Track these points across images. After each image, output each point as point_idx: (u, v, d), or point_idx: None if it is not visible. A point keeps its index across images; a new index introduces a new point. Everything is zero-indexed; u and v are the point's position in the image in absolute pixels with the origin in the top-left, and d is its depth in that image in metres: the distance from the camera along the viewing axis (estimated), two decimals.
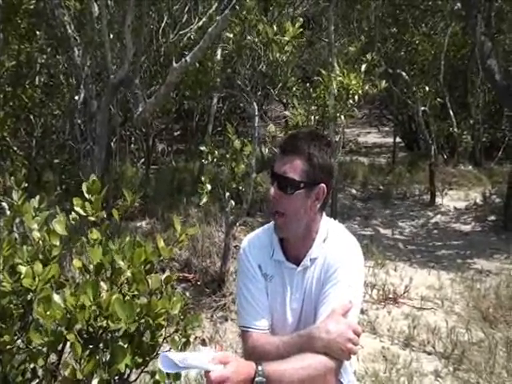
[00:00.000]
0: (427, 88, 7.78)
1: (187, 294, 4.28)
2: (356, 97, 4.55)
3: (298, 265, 1.67)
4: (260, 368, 1.41)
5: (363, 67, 4.78)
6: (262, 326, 1.66)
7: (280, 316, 1.70)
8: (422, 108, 8.06)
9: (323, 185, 1.60)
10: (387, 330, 4.09)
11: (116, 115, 7.47)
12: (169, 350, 1.64)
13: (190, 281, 4.53)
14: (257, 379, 1.39)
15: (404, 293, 4.68)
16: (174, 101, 8.75)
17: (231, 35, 4.13)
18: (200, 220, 5.37)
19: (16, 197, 2.23)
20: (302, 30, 3.92)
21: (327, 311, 1.56)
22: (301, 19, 3.90)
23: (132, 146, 9.71)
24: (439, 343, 3.88)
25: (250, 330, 1.66)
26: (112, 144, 7.44)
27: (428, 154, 8.11)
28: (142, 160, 8.80)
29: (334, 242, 1.67)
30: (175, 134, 10.54)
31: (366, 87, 4.76)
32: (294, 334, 1.58)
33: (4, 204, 2.31)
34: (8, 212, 2.26)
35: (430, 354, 3.79)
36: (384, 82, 4.96)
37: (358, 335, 1.52)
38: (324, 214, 1.71)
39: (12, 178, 2.27)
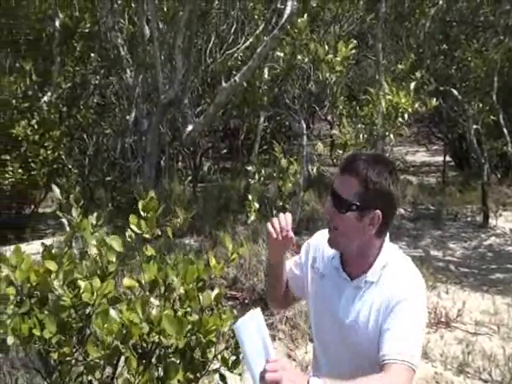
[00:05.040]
0: (480, 105, 7.59)
1: (235, 311, 4.28)
2: (406, 115, 4.49)
3: (351, 279, 1.65)
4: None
5: (412, 85, 4.72)
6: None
7: (324, 318, 1.69)
8: (474, 126, 7.87)
9: (379, 211, 1.55)
10: (440, 355, 3.96)
11: (165, 134, 7.66)
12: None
13: (237, 298, 4.53)
14: None
15: (457, 317, 4.52)
16: (221, 120, 8.89)
17: (282, 54, 4.17)
18: (247, 238, 5.38)
19: (75, 214, 2.30)
20: (354, 50, 3.93)
21: (392, 347, 1.50)
22: (354, 41, 3.90)
23: (179, 164, 9.89)
24: (496, 371, 3.72)
25: None
26: (161, 162, 7.61)
27: (480, 174, 7.87)
28: (190, 178, 8.94)
29: (397, 273, 1.62)
30: (222, 152, 10.67)
31: (416, 105, 4.70)
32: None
33: (64, 220, 2.38)
34: (67, 228, 2.32)
35: (486, 381, 3.64)
36: (434, 100, 4.89)
37: None
38: (387, 240, 1.66)
39: (71, 196, 2.35)
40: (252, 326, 1.42)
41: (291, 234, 1.66)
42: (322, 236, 1.79)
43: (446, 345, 4.11)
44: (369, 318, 1.59)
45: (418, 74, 4.61)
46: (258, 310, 1.48)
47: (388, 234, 1.67)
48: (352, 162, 1.58)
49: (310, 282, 1.75)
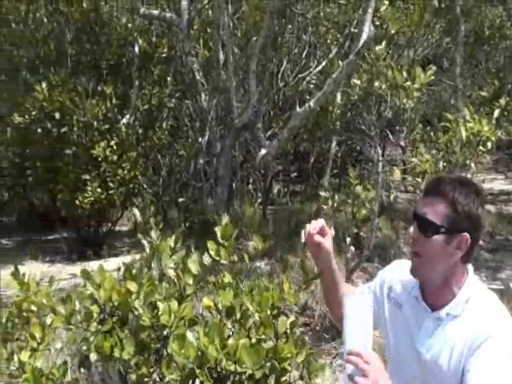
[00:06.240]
0: None
1: (306, 338, 4.21)
2: (489, 144, 4.31)
3: (432, 310, 1.59)
4: None
5: (496, 112, 4.54)
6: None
7: (403, 349, 1.63)
8: None
9: (466, 234, 1.50)
10: None
11: (237, 157, 7.77)
12: None
13: (308, 325, 4.47)
14: None
15: None
16: (293, 143, 8.91)
17: (358, 82, 4.14)
18: None
19: (155, 236, 2.36)
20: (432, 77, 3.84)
21: None
22: (433, 67, 3.82)
23: (250, 186, 9.99)
24: None
25: None
26: (233, 184, 7.71)
27: None
28: (260, 200, 8.98)
29: (483, 308, 1.54)
30: (291, 175, 10.68)
31: (499, 133, 4.51)
32: None
33: (144, 242, 2.45)
34: (147, 250, 2.38)
35: None
36: None
37: None
38: (471, 272, 1.59)
39: (152, 218, 2.41)
40: (358, 307, 1.45)
41: (317, 238, 1.74)
42: (397, 265, 1.76)
43: None
44: (451, 355, 1.52)
45: (502, 101, 4.41)
46: (369, 297, 1.61)
47: (471, 266, 1.60)
48: (438, 185, 1.54)
49: (388, 314, 1.71)
